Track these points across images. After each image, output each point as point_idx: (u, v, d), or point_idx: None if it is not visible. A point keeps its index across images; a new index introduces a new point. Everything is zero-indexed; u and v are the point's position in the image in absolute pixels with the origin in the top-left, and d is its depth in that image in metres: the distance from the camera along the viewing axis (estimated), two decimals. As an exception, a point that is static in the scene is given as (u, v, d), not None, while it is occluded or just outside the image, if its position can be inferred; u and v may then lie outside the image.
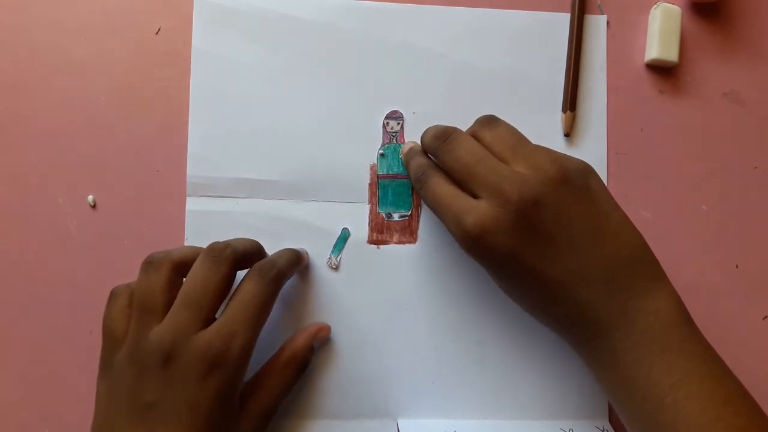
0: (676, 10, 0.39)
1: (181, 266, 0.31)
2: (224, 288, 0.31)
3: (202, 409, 0.29)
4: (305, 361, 0.35)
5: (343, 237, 0.37)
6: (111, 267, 0.37)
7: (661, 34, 0.39)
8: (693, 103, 0.40)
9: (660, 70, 0.40)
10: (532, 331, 0.38)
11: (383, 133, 0.38)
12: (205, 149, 0.37)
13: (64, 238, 0.37)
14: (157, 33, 0.38)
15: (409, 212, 0.38)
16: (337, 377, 0.37)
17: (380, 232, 0.38)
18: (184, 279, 0.31)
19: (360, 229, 0.38)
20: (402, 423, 0.37)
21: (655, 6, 0.40)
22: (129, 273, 0.37)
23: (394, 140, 0.38)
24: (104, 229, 0.37)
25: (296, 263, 0.35)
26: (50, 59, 0.37)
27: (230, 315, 0.30)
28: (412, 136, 0.38)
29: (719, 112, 0.40)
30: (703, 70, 0.41)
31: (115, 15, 0.38)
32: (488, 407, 0.37)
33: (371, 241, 0.38)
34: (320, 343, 0.36)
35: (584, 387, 0.38)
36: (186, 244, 0.37)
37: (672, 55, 0.39)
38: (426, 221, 0.38)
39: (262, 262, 0.32)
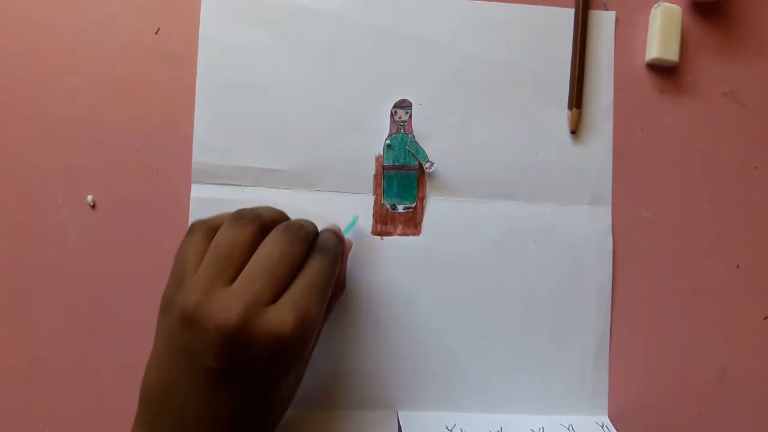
0: (676, 9, 0.39)
1: (270, 227, 0.31)
2: (298, 264, 0.30)
3: (269, 381, 0.28)
4: (342, 291, 0.36)
5: (353, 223, 0.37)
6: (111, 267, 0.37)
7: (661, 33, 0.39)
8: (693, 103, 0.40)
9: (660, 69, 0.40)
10: (534, 325, 0.38)
11: (390, 123, 0.38)
12: (211, 137, 0.38)
13: (63, 238, 0.37)
14: (156, 33, 0.38)
15: (414, 204, 0.38)
16: (338, 368, 0.37)
17: (384, 224, 0.38)
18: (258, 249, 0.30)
19: (364, 220, 0.38)
20: (402, 415, 0.37)
21: (656, 5, 0.40)
22: (129, 273, 0.37)
23: (402, 130, 0.38)
24: (104, 229, 0.37)
25: (342, 243, 0.34)
26: (50, 59, 0.37)
27: (300, 291, 0.29)
28: (419, 127, 0.38)
29: (719, 112, 0.40)
30: (703, 70, 0.40)
31: (115, 15, 0.38)
32: (489, 401, 0.38)
33: (375, 233, 0.38)
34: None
35: (585, 383, 0.38)
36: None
37: (672, 54, 0.39)
38: (430, 213, 0.38)
39: (321, 242, 0.32)
